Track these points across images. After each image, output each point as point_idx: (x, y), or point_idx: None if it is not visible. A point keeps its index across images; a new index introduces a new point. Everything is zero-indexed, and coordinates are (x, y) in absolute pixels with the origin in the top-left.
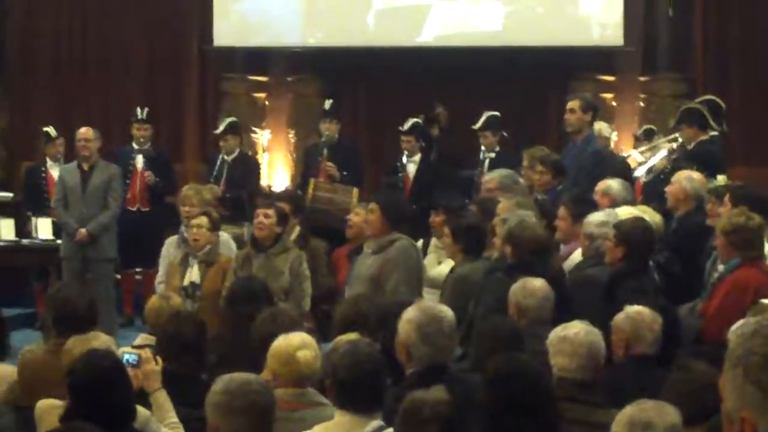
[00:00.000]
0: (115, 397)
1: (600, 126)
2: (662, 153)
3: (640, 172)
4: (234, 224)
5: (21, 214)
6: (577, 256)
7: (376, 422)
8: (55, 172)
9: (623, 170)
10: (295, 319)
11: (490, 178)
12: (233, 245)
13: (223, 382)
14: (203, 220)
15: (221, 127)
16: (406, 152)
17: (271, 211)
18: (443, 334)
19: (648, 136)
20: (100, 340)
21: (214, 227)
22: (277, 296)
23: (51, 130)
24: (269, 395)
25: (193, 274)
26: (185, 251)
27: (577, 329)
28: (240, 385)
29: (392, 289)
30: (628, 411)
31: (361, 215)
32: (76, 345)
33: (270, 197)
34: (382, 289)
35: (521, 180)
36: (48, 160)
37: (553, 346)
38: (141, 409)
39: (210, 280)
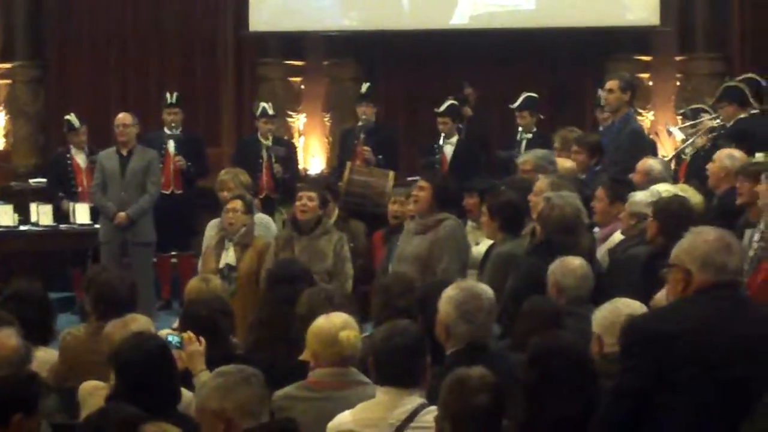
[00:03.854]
0: (160, 379)
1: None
2: (701, 132)
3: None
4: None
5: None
6: (617, 236)
7: (418, 400)
8: (79, 158)
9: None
10: (338, 299)
11: (525, 159)
12: (273, 227)
13: (216, 371)
14: (238, 203)
15: (257, 112)
16: (443, 134)
17: (314, 194)
18: (483, 312)
19: (695, 114)
20: (139, 322)
21: (249, 210)
22: (321, 278)
23: (73, 118)
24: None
25: (229, 256)
26: (221, 234)
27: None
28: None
29: (444, 269)
30: None
31: (400, 203)
32: (116, 328)
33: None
34: (430, 269)
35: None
36: (72, 147)
37: (600, 323)
38: (185, 391)
39: (245, 262)
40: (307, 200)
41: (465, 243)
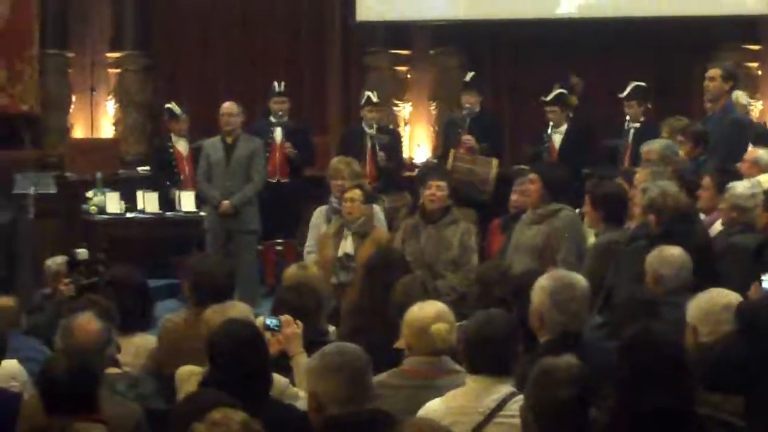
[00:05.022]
0: (252, 365)
1: (737, 94)
2: None
3: None
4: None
5: (163, 187)
6: (718, 225)
7: (508, 388)
8: (181, 146)
9: (764, 138)
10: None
11: (650, 149)
12: (382, 216)
13: (318, 352)
14: (357, 192)
15: (362, 100)
16: (551, 123)
17: (443, 183)
18: (576, 301)
19: None
20: (237, 309)
21: (367, 199)
22: (445, 267)
23: (174, 106)
24: (363, 361)
25: (347, 245)
26: (340, 222)
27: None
28: (334, 349)
29: (563, 259)
30: None
31: (519, 192)
32: (214, 314)
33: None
34: (547, 259)
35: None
36: (173, 135)
37: (695, 314)
38: (278, 377)
39: (364, 251)
40: (436, 189)
41: (581, 233)
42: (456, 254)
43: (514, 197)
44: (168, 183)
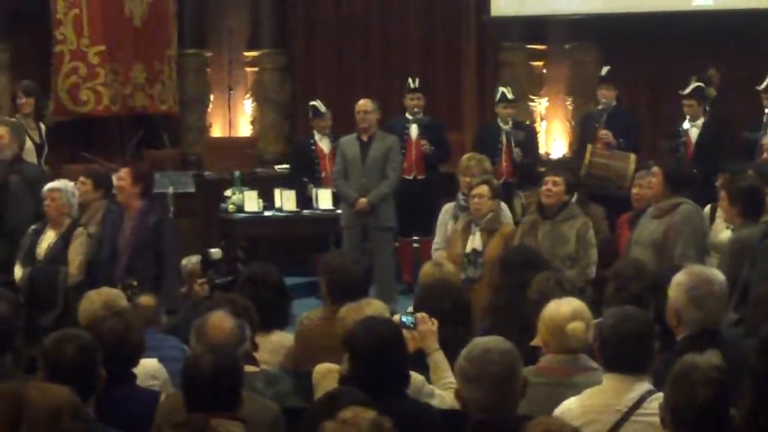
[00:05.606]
0: (390, 363)
1: None
2: None
3: None
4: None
5: (303, 186)
6: None
7: (645, 386)
8: (323, 144)
9: None
10: (568, 285)
11: None
12: (508, 213)
13: (468, 348)
14: (484, 188)
15: (497, 97)
16: (688, 116)
17: (559, 179)
18: (714, 297)
19: None
20: (373, 306)
21: (495, 195)
22: (563, 263)
23: (319, 104)
24: (509, 365)
25: (475, 241)
26: (467, 219)
27: None
28: (479, 354)
29: (680, 254)
30: None
31: (639, 186)
32: (350, 312)
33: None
34: (666, 254)
35: None
36: (316, 133)
37: None
38: (414, 375)
39: (492, 247)
40: (552, 185)
41: (702, 228)
42: (573, 249)
43: (635, 190)
44: (306, 180)
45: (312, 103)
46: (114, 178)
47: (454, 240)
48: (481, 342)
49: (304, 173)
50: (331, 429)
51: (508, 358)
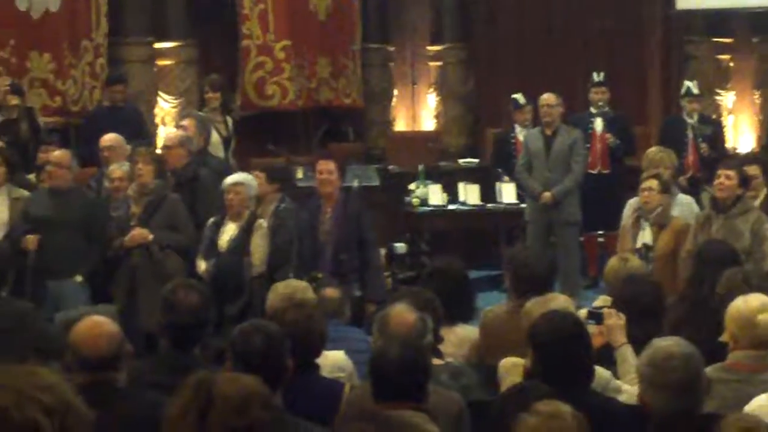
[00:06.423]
0: (574, 357)
1: None
2: None
3: None
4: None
5: (486, 179)
6: None
7: None
8: (522, 137)
9: None
10: (755, 280)
11: None
12: (695, 207)
13: (649, 352)
14: (653, 182)
15: (682, 91)
16: None
17: (732, 173)
18: None
19: None
20: (558, 301)
21: (665, 189)
22: None
23: (519, 97)
24: (693, 370)
25: (646, 236)
26: (637, 214)
27: None
28: (662, 360)
29: None
30: None
31: None
32: (536, 306)
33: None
34: None
35: None
36: (516, 126)
37: None
38: (600, 370)
39: (662, 241)
40: (724, 178)
41: None
42: (747, 244)
43: None
44: (500, 171)
45: (513, 95)
46: (319, 172)
47: (624, 235)
48: (663, 346)
49: (502, 165)
50: (533, 423)
51: (691, 364)
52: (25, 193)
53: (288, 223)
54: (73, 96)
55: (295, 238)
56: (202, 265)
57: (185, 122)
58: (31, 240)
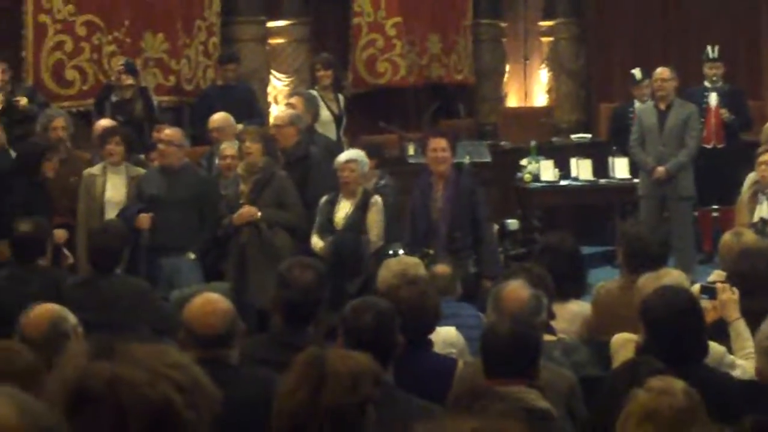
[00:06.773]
0: (687, 333)
1: None
2: None
3: None
4: None
5: (599, 154)
6: None
7: None
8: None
9: None
10: None
11: None
12: None
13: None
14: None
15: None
16: None
17: None
18: None
19: None
20: (671, 276)
21: None
22: None
23: (637, 71)
24: None
25: (763, 210)
26: (754, 188)
27: None
28: None
29: None
30: None
31: None
32: (649, 282)
33: None
34: None
35: None
36: (635, 101)
37: None
38: (715, 345)
39: None
40: None
41: None
42: None
43: None
44: (615, 148)
45: (632, 71)
46: (431, 149)
47: (741, 209)
48: None
49: (620, 142)
50: (644, 398)
51: None
52: (143, 171)
53: (388, 200)
54: (186, 75)
55: (398, 215)
56: (318, 243)
57: (293, 100)
58: (144, 219)
